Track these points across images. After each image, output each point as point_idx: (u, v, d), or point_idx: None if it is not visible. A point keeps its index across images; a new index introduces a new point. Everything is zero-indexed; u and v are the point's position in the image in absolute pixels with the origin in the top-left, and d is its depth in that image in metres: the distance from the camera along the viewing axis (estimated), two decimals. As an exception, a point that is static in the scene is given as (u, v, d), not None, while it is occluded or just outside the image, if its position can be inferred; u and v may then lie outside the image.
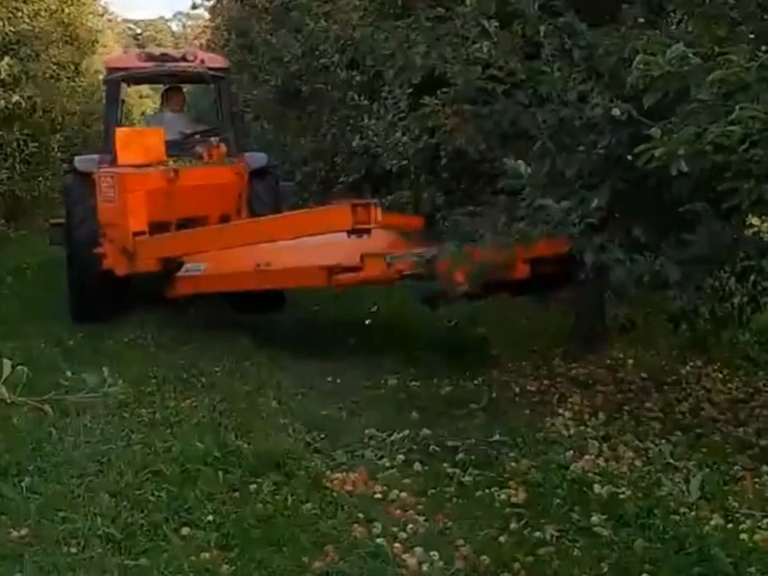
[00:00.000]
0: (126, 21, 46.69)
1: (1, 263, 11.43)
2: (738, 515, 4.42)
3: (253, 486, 4.73)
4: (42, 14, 14.91)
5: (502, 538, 4.25)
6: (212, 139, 8.81)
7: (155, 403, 6.05)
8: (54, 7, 15.62)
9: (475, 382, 6.59)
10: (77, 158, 8.96)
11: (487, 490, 4.74)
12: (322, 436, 5.51)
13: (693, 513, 4.42)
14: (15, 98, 13.09)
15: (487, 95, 5.80)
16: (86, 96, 17.46)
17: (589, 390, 6.43)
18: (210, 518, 4.36)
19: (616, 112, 4.56)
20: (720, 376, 6.90)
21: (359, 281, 6.73)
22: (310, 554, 4.05)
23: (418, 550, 4.13)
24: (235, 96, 11.07)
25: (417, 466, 5.11)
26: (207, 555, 4.02)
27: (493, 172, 5.98)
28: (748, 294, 5.48)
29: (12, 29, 13.62)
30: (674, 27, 5.39)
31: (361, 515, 4.47)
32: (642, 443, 5.41)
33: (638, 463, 5.12)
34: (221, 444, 5.18)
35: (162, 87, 11.03)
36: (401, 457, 5.23)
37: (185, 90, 10.82)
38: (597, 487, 4.68)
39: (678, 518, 4.34)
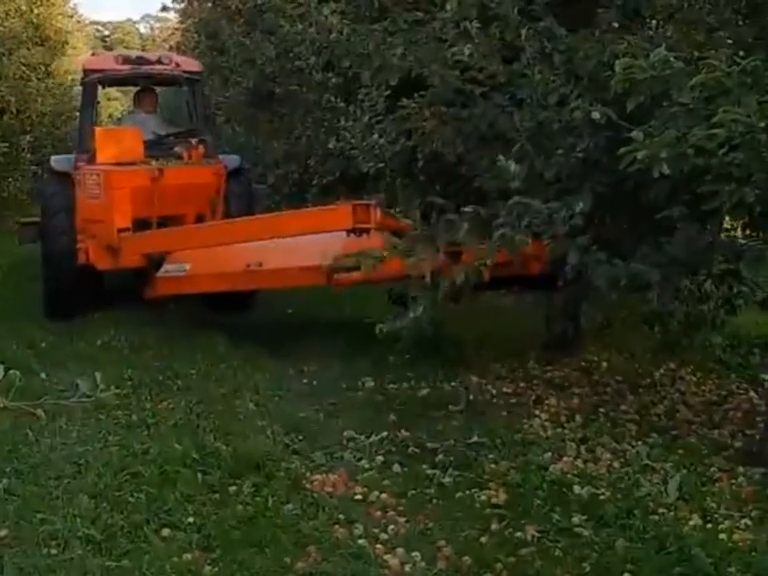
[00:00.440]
0: (93, 23, 46.37)
1: (-31, 265, 11.29)
2: (716, 515, 4.49)
3: (233, 488, 4.70)
4: (12, 14, 14.79)
5: (483, 539, 4.27)
6: (191, 140, 8.85)
7: (131, 405, 6.00)
8: (24, 8, 15.52)
9: (452, 384, 6.60)
10: (53, 158, 9.27)
11: (467, 491, 4.76)
12: (301, 438, 5.50)
13: (672, 513, 4.47)
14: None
15: (465, 97, 5.82)
16: (55, 97, 17.33)
17: (564, 393, 6.48)
18: (191, 519, 4.34)
19: (595, 115, 4.58)
20: (694, 379, 6.99)
21: (355, 281, 6.64)
22: (292, 555, 4.04)
23: (400, 550, 4.14)
24: (208, 98, 11.05)
25: (396, 468, 5.11)
26: (189, 556, 4.00)
27: (469, 174, 6.00)
28: (723, 297, 5.54)
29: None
30: (651, 32, 5.42)
31: (342, 516, 4.46)
32: (620, 445, 5.46)
33: (615, 465, 5.17)
34: (199, 446, 5.14)
35: (131, 89, 11.05)
36: (380, 458, 5.23)
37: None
38: (576, 488, 4.72)
39: (657, 518, 4.39)
